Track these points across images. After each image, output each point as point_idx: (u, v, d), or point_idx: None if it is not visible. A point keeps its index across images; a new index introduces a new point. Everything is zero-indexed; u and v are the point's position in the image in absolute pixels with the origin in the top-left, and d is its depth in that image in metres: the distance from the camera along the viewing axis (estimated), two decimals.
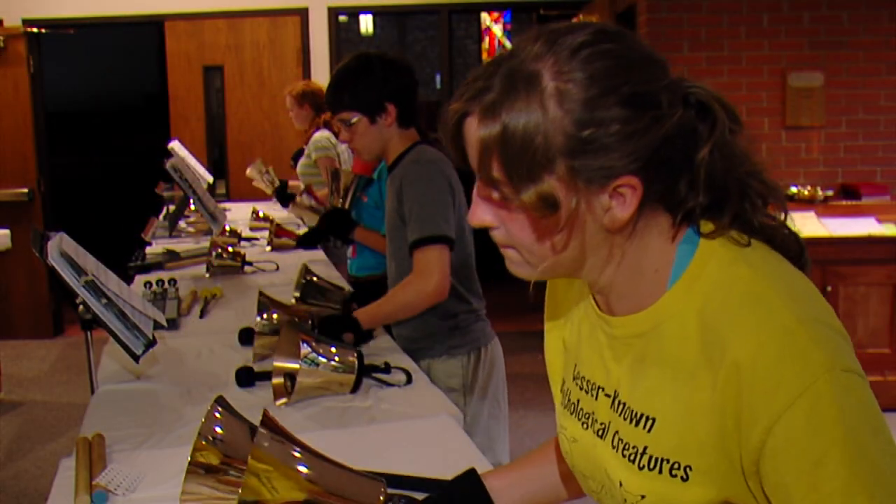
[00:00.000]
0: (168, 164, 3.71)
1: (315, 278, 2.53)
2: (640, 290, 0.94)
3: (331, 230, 3.10)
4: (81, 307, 1.97)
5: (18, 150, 6.14)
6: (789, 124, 4.82)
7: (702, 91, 0.89)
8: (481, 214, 0.92)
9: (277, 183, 4.63)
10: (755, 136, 4.03)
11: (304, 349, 1.91)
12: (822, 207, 4.59)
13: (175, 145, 4.97)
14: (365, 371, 1.99)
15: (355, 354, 1.99)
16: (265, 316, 2.22)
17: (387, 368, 2.06)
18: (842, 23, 4.77)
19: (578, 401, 1.06)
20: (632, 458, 0.94)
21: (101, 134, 9.66)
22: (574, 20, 1.34)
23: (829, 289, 4.25)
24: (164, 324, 2.19)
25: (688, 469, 0.89)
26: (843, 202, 4.68)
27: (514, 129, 0.83)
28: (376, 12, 7.38)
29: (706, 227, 0.92)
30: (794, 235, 0.94)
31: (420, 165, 2.29)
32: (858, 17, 4.76)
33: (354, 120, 2.32)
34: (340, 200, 3.22)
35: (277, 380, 1.94)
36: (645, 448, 0.93)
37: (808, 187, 4.72)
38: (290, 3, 6.11)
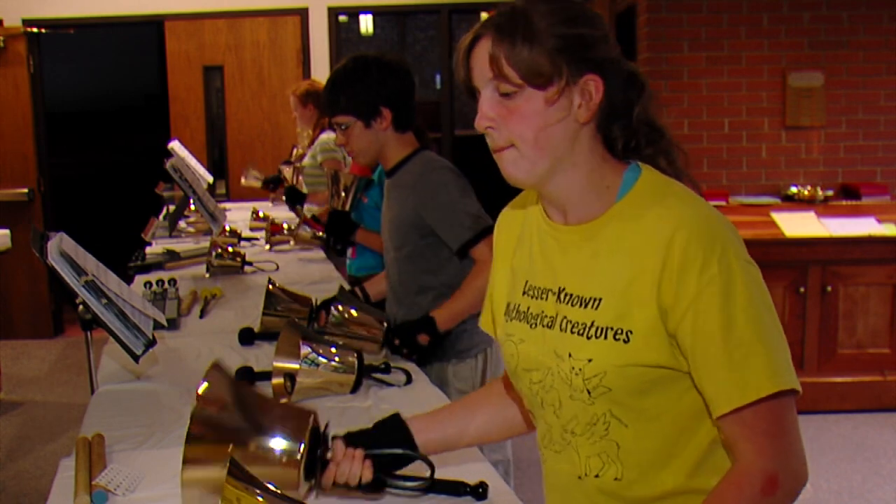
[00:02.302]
0: (168, 164, 3.71)
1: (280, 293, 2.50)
2: (593, 202, 1.22)
3: (332, 233, 3.08)
4: (81, 307, 1.97)
5: (18, 150, 6.14)
6: (789, 124, 4.82)
7: (631, 65, 1.24)
8: (486, 117, 1.19)
9: (262, 177, 4.65)
10: (755, 135, 4.04)
11: (304, 349, 1.91)
12: (822, 207, 4.59)
13: (175, 145, 4.97)
14: (365, 371, 2.00)
15: (355, 355, 1.99)
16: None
17: (387, 368, 2.06)
18: (842, 23, 4.76)
19: (528, 308, 1.29)
20: (580, 332, 1.19)
21: (101, 134, 9.66)
22: None
23: (829, 289, 4.25)
24: (165, 323, 2.19)
25: (629, 333, 1.15)
26: (843, 202, 4.68)
27: (515, 36, 1.16)
28: (376, 12, 7.37)
29: (642, 164, 1.23)
30: (693, 183, 1.26)
31: (433, 173, 2.28)
32: (858, 17, 4.76)
33: (349, 123, 2.31)
34: (341, 202, 3.20)
35: (277, 380, 1.94)
36: (593, 322, 1.18)
37: (808, 187, 4.72)
38: (290, 3, 6.11)
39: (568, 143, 1.19)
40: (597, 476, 1.22)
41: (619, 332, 1.15)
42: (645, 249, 1.15)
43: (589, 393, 1.18)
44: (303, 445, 1.35)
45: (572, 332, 1.20)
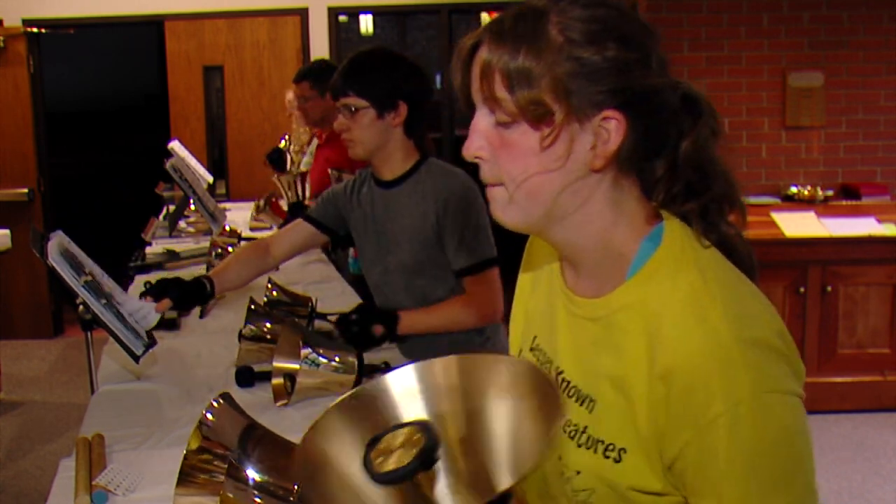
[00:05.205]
0: (168, 164, 3.71)
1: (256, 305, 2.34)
2: (604, 271, 0.98)
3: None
4: (81, 307, 1.97)
5: (18, 150, 6.14)
6: (789, 124, 4.82)
7: (690, 87, 0.97)
8: (476, 146, 0.96)
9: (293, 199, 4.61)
10: (755, 135, 3.99)
11: (305, 350, 1.91)
12: (822, 207, 4.59)
13: (175, 145, 4.96)
14: (365, 371, 1.99)
15: (355, 355, 1.99)
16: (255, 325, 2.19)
17: (387, 368, 2.06)
18: (842, 23, 4.76)
19: None
20: (571, 434, 0.99)
21: (101, 134, 9.64)
22: None
23: (829, 289, 4.25)
24: (146, 340, 2.09)
25: (622, 452, 0.94)
26: (843, 202, 4.68)
27: (517, 48, 0.90)
28: (376, 12, 7.37)
29: (671, 223, 0.97)
30: (748, 247, 1.00)
31: (454, 180, 2.19)
32: (858, 17, 4.75)
33: (361, 108, 2.16)
34: None
35: (277, 380, 1.94)
36: (585, 427, 0.97)
37: (808, 187, 4.72)
38: (290, 3, 6.11)
39: (570, 194, 0.95)
40: None
41: (611, 447, 0.94)
42: (643, 359, 0.91)
43: None
44: (298, 486, 1.33)
45: (564, 431, 1.00)
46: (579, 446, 0.98)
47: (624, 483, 0.94)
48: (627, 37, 0.92)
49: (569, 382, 1.01)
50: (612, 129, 0.91)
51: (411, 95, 2.19)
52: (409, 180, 2.23)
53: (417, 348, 2.22)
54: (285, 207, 4.07)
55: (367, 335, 2.12)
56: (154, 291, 2.14)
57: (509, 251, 1.63)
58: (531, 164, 0.93)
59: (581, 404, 0.98)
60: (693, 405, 0.86)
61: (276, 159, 4.70)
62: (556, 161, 0.93)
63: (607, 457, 0.95)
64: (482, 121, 0.96)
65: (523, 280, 1.20)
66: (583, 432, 0.97)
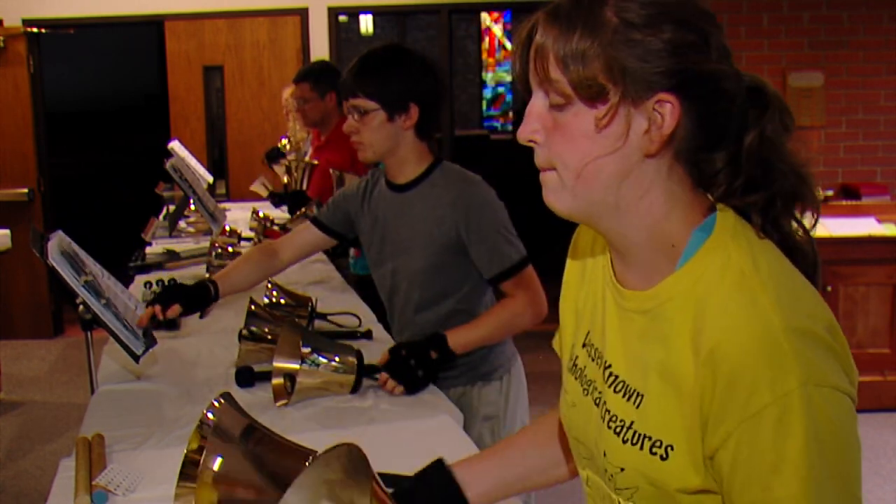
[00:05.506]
0: (168, 164, 3.71)
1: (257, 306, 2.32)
2: (655, 262, 0.96)
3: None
4: (81, 307, 1.97)
5: (18, 150, 6.14)
6: None
7: (758, 79, 0.96)
8: (530, 129, 0.95)
9: (270, 188, 4.60)
10: None
11: (305, 350, 1.91)
12: (823, 207, 4.47)
13: (175, 145, 4.96)
14: (365, 371, 1.99)
15: (355, 354, 1.99)
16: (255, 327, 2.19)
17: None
18: (842, 23, 4.77)
19: (585, 367, 1.07)
20: (617, 430, 0.96)
21: (101, 134, 9.65)
22: None
23: (829, 289, 4.25)
24: (146, 339, 2.11)
25: (669, 449, 0.91)
26: (843, 202, 4.68)
27: (572, 29, 0.89)
28: (376, 12, 7.38)
29: (725, 213, 0.94)
30: (814, 250, 0.96)
31: (472, 187, 2.11)
32: (858, 17, 4.76)
33: (370, 110, 2.07)
34: None
35: (277, 380, 1.94)
36: (631, 423, 0.94)
37: None
38: (290, 3, 6.11)
39: (625, 180, 0.92)
40: None
41: (658, 444, 0.91)
42: (690, 349, 0.89)
43: None
44: None
45: (610, 427, 0.98)
46: (624, 442, 0.95)
47: (671, 484, 0.91)
48: (685, 20, 0.90)
49: (616, 377, 0.98)
50: (666, 112, 0.89)
51: (423, 97, 2.09)
52: (423, 184, 2.15)
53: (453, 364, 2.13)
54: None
55: (427, 365, 2.00)
56: (162, 299, 2.15)
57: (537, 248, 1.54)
58: (585, 148, 0.91)
59: (628, 399, 0.96)
60: (739, 392, 0.84)
61: (275, 159, 4.70)
62: (610, 145, 0.91)
63: (654, 453, 0.92)
64: (537, 104, 0.94)
65: (570, 271, 1.16)
66: (629, 428, 0.95)
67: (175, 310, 2.15)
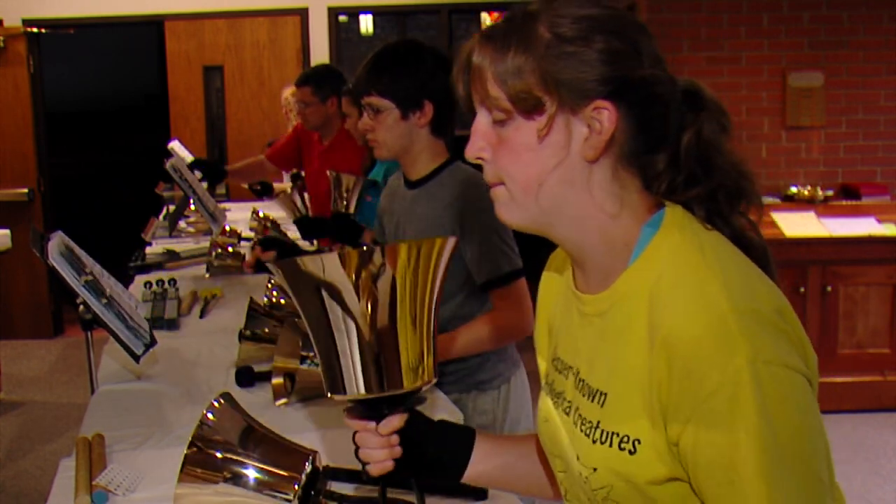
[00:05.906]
0: (168, 164, 3.71)
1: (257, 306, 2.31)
2: (610, 264, 0.98)
3: (338, 237, 3.01)
4: (81, 307, 1.97)
5: (18, 150, 6.14)
6: (789, 124, 4.82)
7: (694, 83, 0.99)
8: (476, 147, 0.99)
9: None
10: (755, 135, 3.95)
11: (304, 350, 1.91)
12: (822, 207, 4.59)
13: (175, 145, 4.97)
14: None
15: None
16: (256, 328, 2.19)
17: None
18: (842, 23, 4.76)
19: (553, 381, 1.10)
20: (587, 432, 0.98)
21: (101, 134, 9.64)
22: None
23: (829, 289, 4.26)
24: (147, 340, 2.10)
25: (636, 443, 0.92)
26: (843, 202, 4.68)
27: (507, 47, 0.94)
28: (376, 12, 7.38)
29: (672, 208, 0.98)
30: (763, 243, 1.00)
31: (475, 190, 2.03)
32: (858, 17, 4.76)
33: (384, 108, 2.04)
34: (345, 204, 3.13)
35: (277, 380, 1.94)
36: (598, 422, 0.97)
37: (808, 187, 4.72)
38: (290, 3, 6.11)
39: (571, 188, 0.96)
40: None
41: (625, 439, 0.93)
42: (645, 341, 0.91)
43: None
44: (298, 485, 1.34)
45: (581, 430, 1.00)
46: (594, 442, 0.97)
47: (641, 476, 0.93)
48: (615, 31, 0.94)
49: (583, 381, 1.01)
50: (604, 118, 0.93)
51: (438, 94, 2.03)
52: (431, 182, 2.11)
53: (450, 370, 2.10)
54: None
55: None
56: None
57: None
58: (529, 160, 0.95)
59: (593, 400, 0.98)
60: (693, 377, 0.86)
61: (267, 193, 4.68)
62: (553, 155, 0.94)
63: (623, 449, 0.93)
64: (481, 121, 0.98)
65: (544, 289, 1.19)
66: (597, 427, 0.97)
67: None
